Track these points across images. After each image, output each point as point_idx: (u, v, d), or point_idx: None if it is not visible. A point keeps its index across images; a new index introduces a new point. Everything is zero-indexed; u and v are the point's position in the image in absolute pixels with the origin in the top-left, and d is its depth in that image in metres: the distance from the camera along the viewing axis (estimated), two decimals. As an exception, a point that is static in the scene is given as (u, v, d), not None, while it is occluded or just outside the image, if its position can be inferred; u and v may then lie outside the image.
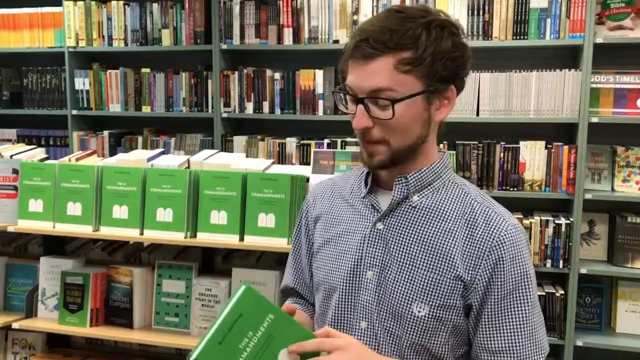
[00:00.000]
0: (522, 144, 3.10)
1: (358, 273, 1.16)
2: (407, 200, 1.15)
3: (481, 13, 3.09)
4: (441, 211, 1.14)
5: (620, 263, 3.03)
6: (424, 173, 1.15)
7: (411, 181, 1.14)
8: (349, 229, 1.21)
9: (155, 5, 3.60)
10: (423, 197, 1.15)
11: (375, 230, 1.16)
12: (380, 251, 1.15)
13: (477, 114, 3.12)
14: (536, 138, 3.10)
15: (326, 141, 3.39)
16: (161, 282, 2.23)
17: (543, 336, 1.14)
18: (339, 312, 1.19)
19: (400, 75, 1.05)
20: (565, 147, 3.03)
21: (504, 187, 3.11)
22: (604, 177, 3.12)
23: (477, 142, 3.15)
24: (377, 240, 1.16)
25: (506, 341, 1.10)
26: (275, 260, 2.32)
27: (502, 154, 3.11)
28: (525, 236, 1.14)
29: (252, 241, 2.07)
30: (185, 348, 2.23)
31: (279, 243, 2.05)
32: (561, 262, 3.02)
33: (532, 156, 3.08)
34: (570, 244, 3.00)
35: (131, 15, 3.64)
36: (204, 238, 2.12)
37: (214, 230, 2.11)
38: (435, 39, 1.05)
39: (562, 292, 3.02)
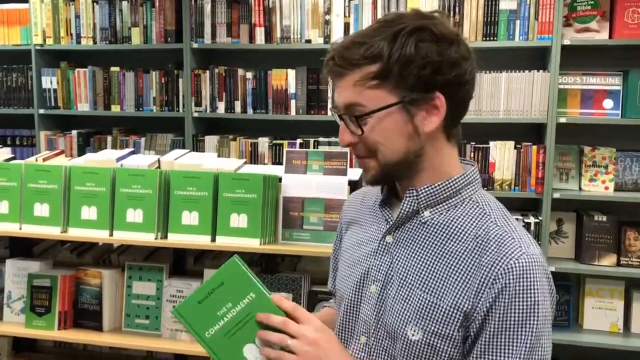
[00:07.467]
0: (491, 144, 3.14)
1: (363, 285, 1.13)
2: (418, 215, 1.09)
3: (451, 14, 3.12)
4: (452, 230, 1.05)
5: (588, 261, 3.09)
6: (438, 187, 1.07)
7: (422, 195, 1.07)
8: (363, 239, 1.17)
9: (124, 3, 3.55)
10: (435, 213, 1.07)
11: (384, 243, 1.12)
12: (385, 265, 1.10)
13: (448, 114, 3.15)
14: (506, 138, 3.15)
15: (299, 141, 3.38)
16: (131, 283, 2.20)
17: None
18: (344, 322, 1.17)
19: (368, 91, 1.01)
20: (534, 147, 3.08)
21: (474, 187, 3.14)
22: (572, 177, 3.18)
23: (448, 142, 3.17)
24: (384, 254, 1.11)
25: None
26: (247, 261, 2.30)
27: (472, 153, 3.15)
28: (543, 269, 1.00)
29: (224, 242, 2.06)
30: (156, 350, 2.21)
31: (252, 243, 2.03)
32: (530, 260, 3.06)
33: (502, 156, 3.12)
34: (539, 242, 3.04)
35: (100, 13, 3.59)
36: (175, 239, 2.09)
37: (185, 231, 2.08)
38: (400, 47, 0.98)
39: (531, 289, 3.06)
